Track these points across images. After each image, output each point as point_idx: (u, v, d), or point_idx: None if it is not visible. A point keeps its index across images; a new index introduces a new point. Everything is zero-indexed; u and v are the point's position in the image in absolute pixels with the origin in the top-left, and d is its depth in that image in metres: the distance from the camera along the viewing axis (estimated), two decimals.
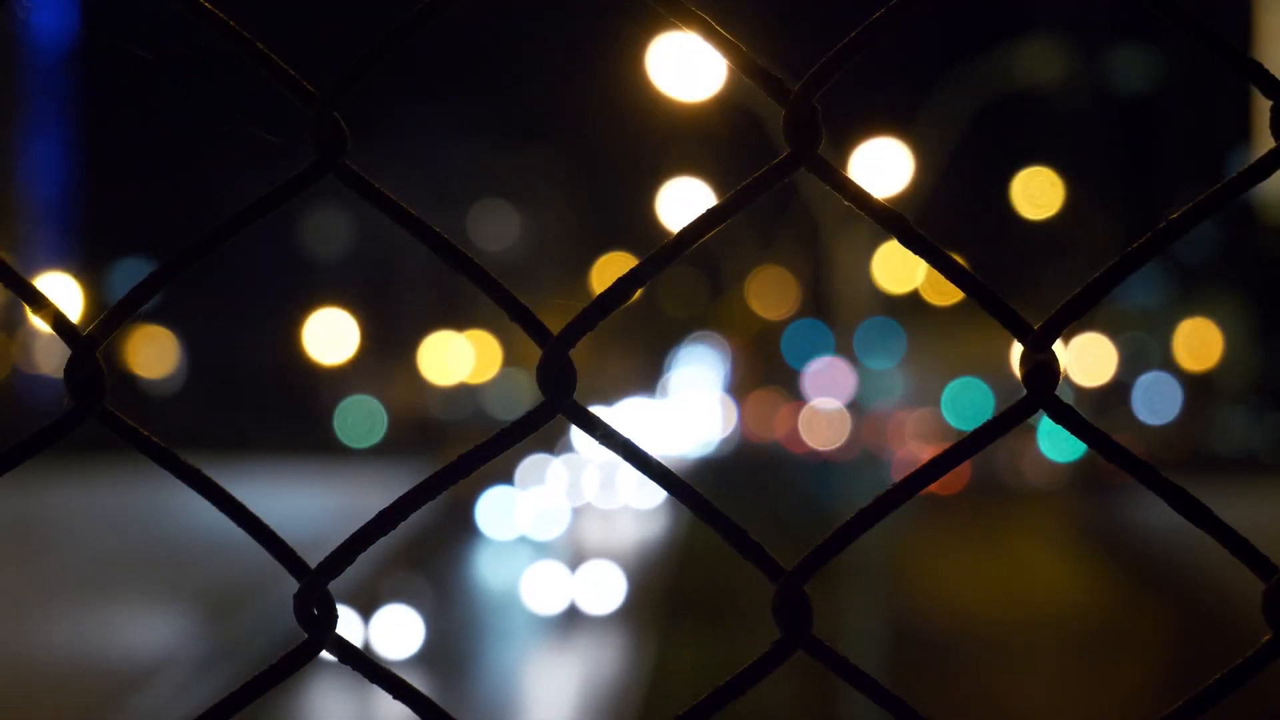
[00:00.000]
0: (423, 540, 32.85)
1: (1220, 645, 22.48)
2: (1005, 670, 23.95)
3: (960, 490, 44.26)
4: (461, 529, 36.09)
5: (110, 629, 26.43)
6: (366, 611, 24.02)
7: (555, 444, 41.45)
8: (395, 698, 1.52)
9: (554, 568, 28.92)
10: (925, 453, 57.52)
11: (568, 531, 36.69)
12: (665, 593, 30.45)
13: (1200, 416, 67.01)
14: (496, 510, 36.31)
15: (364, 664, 1.53)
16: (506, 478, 37.38)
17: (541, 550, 34.07)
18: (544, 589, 28.30)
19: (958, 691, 22.38)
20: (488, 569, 34.65)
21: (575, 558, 30.15)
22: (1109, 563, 36.26)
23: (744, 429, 72.44)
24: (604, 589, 28.09)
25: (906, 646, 23.26)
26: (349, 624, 22.47)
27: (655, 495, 41.60)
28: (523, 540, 35.38)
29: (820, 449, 53.92)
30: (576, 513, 39.33)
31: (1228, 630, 23.96)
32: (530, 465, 39.08)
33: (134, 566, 32.29)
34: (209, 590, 28.84)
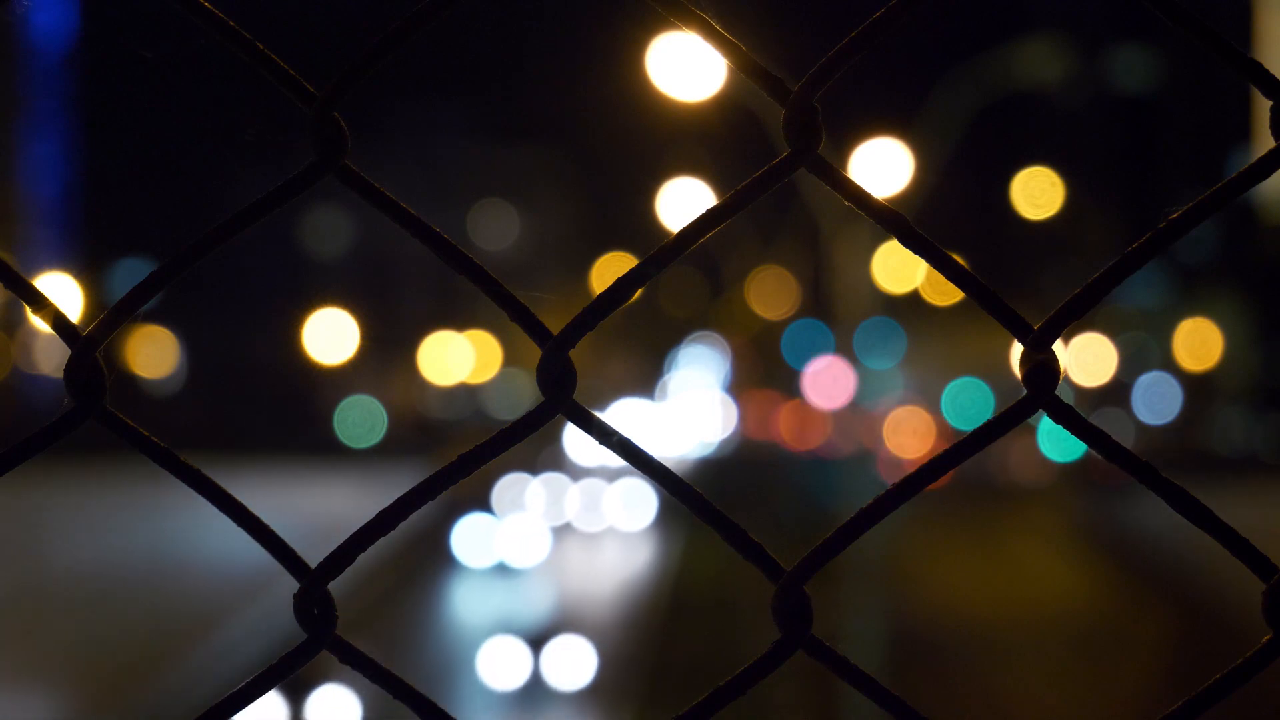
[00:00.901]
0: (389, 571, 29.36)
1: (1220, 645, 22.49)
2: (1005, 670, 23.94)
3: (944, 486, 44.20)
4: (434, 556, 32.55)
5: None
6: (296, 691, 19.93)
7: (534, 464, 37.84)
8: (396, 698, 1.52)
9: (516, 644, 23.70)
10: (912, 449, 57.63)
11: (548, 559, 33.26)
12: (648, 660, 25.36)
13: (1200, 416, 67.00)
14: (472, 536, 32.81)
15: (364, 664, 1.53)
16: (484, 504, 33.98)
17: (519, 579, 31.16)
18: (505, 662, 23.46)
19: (958, 691, 22.38)
20: (455, 614, 30.52)
21: (542, 629, 24.86)
22: (1108, 562, 36.26)
23: (744, 429, 72.45)
24: (573, 664, 23.42)
25: (906, 646, 23.25)
26: (272, 709, 19.30)
27: (641, 518, 37.68)
28: (500, 568, 32.06)
29: (817, 448, 53.95)
30: (558, 537, 35.49)
31: (1228, 630, 23.97)
32: (508, 485, 35.83)
33: (39, 610, 27.75)
34: (110, 653, 24.67)
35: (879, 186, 18.57)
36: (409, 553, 31.41)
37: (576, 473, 39.80)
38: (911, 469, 1.48)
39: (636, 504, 37.94)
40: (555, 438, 44.77)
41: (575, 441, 45.81)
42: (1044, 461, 57.75)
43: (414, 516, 1.54)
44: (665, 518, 37.72)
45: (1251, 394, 66.94)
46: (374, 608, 27.31)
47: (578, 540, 36.82)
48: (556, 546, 34.52)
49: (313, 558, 1.56)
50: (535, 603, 29.01)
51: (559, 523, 36.88)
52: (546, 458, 39.93)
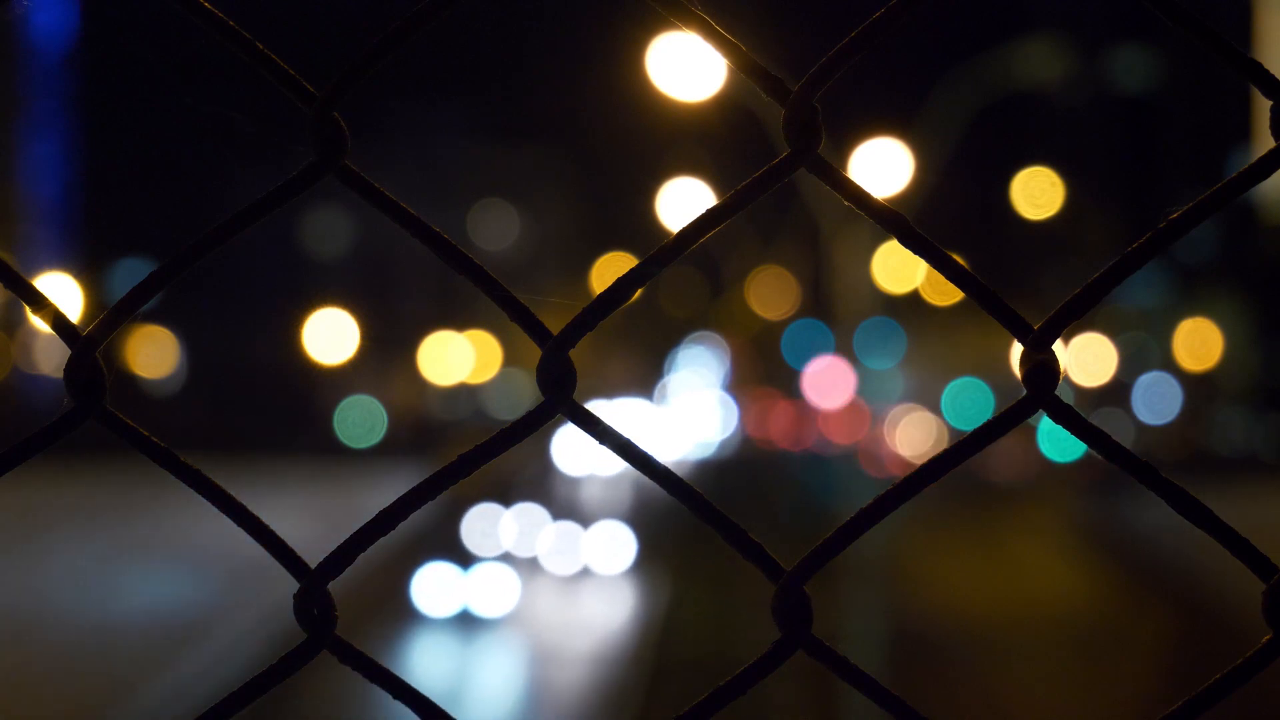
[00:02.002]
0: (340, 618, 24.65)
1: (1220, 645, 22.50)
2: (1005, 670, 23.95)
3: (943, 486, 43.93)
4: (390, 603, 28.15)
5: None
6: None
7: (508, 495, 33.86)
8: (395, 698, 1.52)
9: None
10: (890, 446, 57.61)
11: (518, 607, 28.98)
12: None
13: (1200, 416, 67.03)
14: (435, 581, 28.88)
15: (364, 664, 1.53)
16: (451, 548, 30.24)
17: (485, 633, 27.45)
18: None
19: (958, 691, 22.39)
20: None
21: None
22: (1108, 562, 36.27)
23: (744, 429, 72.46)
24: None
25: (906, 646, 23.26)
26: None
27: (620, 561, 32.83)
28: (465, 617, 28.14)
29: (812, 446, 53.97)
30: (529, 580, 30.94)
31: (1228, 630, 23.98)
32: (478, 515, 32.36)
33: None
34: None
35: (879, 186, 18.58)
36: (362, 597, 27.22)
37: (555, 506, 35.21)
38: (909, 468, 1.48)
39: (614, 545, 33.26)
40: (542, 453, 43.79)
41: (563, 455, 45.06)
42: (1027, 459, 57.62)
43: (371, 558, 1.53)
44: (646, 561, 33.10)
45: (1251, 394, 66.97)
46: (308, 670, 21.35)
47: (550, 584, 31.85)
48: (528, 591, 30.23)
49: (311, 557, 1.56)
50: (500, 675, 25.23)
51: (530, 563, 32.45)
52: (526, 481, 36.54)
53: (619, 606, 29.93)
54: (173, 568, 31.86)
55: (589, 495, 42.11)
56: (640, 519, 35.60)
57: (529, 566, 31.92)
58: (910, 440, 61.62)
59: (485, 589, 28.75)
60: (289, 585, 1.54)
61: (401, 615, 27.80)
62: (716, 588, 27.83)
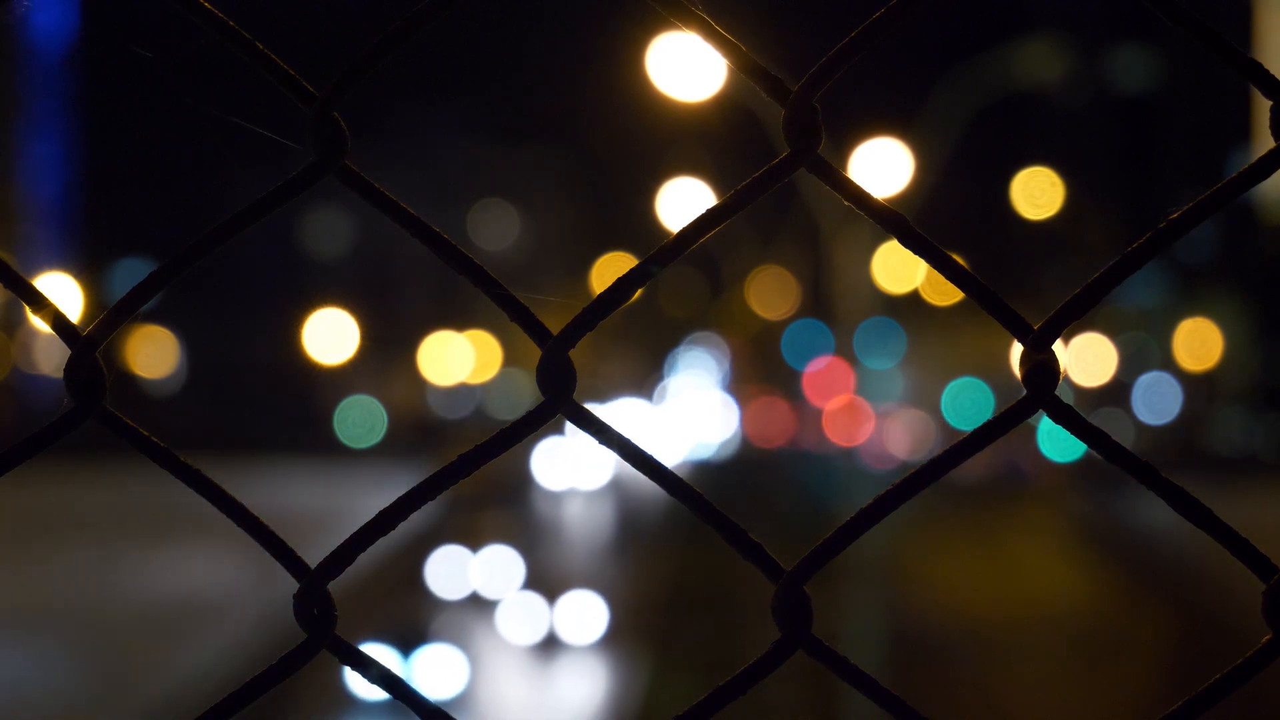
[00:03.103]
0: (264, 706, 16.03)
1: (1220, 645, 22.50)
2: (1005, 670, 23.95)
3: (943, 486, 43.83)
4: (320, 686, 22.31)
5: None
6: None
7: (477, 540, 30.29)
8: (396, 698, 1.52)
9: None
10: (866, 439, 57.47)
11: (469, 686, 23.88)
12: None
13: (1200, 416, 67.03)
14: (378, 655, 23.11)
15: (363, 664, 1.53)
16: (414, 589, 27.58)
17: None
18: None
19: (958, 691, 22.38)
20: None
21: None
22: (1108, 562, 36.27)
23: (744, 430, 72.44)
24: None
25: (906, 646, 23.26)
26: None
27: (594, 627, 27.40)
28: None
29: (810, 445, 53.94)
30: (484, 655, 25.77)
31: (1228, 630, 23.98)
32: (443, 557, 29.51)
33: None
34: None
35: (879, 186, 18.57)
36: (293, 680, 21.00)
37: (526, 544, 31.43)
38: (908, 468, 1.48)
39: (583, 613, 28.18)
40: (523, 466, 43.09)
41: (543, 469, 44.53)
42: (995, 459, 57.38)
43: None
44: (621, 633, 27.81)
45: (1251, 394, 66.96)
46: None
47: (509, 657, 26.68)
48: (482, 665, 25.42)
49: (311, 557, 1.56)
50: None
51: (490, 628, 27.83)
52: (493, 528, 32.67)
53: (589, 685, 25.25)
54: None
55: (570, 514, 40.91)
56: (615, 585, 30.91)
57: (487, 635, 27.42)
58: (907, 440, 61.61)
59: (432, 665, 23.92)
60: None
61: (331, 696, 22.44)
62: (701, 661, 24.66)
